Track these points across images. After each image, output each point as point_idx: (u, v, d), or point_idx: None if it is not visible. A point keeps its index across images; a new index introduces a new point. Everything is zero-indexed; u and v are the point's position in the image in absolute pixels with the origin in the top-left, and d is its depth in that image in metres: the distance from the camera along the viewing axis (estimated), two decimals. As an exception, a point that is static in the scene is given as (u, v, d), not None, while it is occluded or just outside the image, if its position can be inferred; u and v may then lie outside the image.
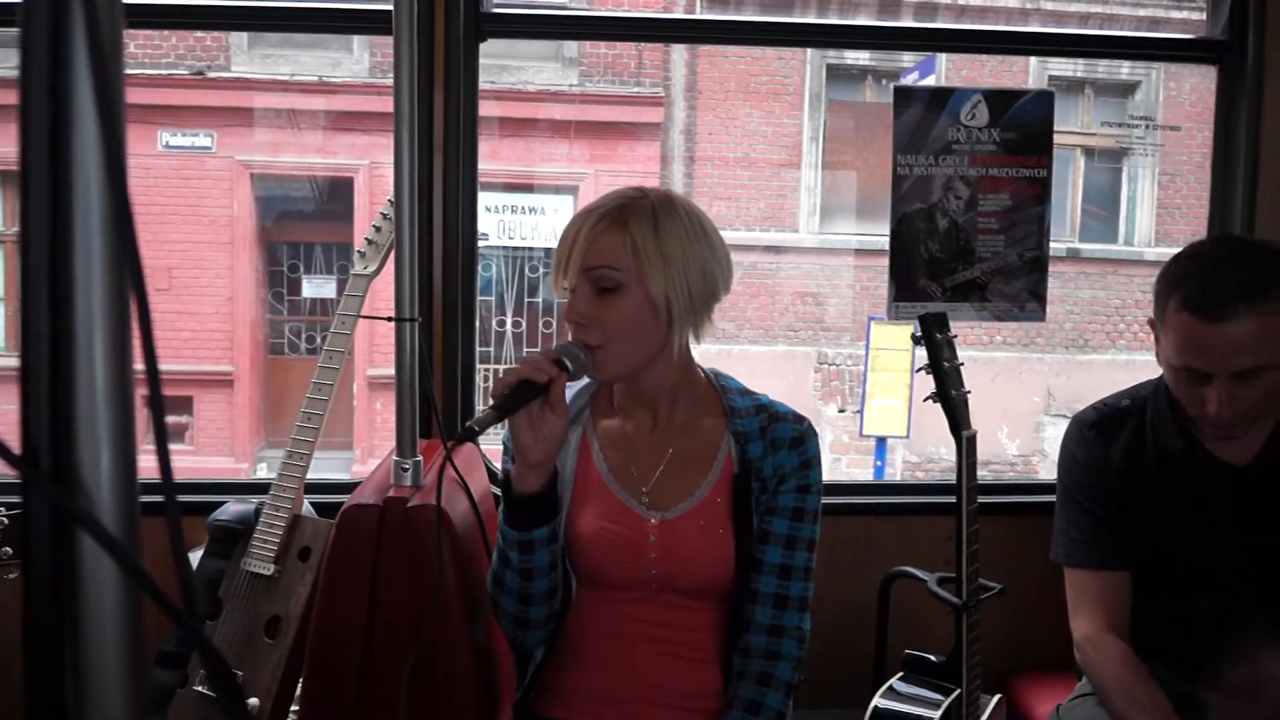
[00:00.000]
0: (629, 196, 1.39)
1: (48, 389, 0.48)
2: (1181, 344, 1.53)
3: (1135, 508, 1.70)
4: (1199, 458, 1.67)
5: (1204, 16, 2.41)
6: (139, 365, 0.50)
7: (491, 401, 1.30)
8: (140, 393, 0.50)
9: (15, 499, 1.83)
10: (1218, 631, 1.68)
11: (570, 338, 1.39)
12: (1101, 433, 1.74)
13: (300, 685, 1.75)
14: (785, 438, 1.46)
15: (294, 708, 1.86)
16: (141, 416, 0.51)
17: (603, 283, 1.35)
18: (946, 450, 9.60)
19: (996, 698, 1.80)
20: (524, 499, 1.35)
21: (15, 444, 0.46)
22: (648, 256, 1.34)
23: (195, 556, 1.95)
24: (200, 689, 1.86)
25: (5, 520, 1.74)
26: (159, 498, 0.51)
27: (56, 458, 0.48)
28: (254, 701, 1.82)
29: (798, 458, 1.46)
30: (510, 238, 9.80)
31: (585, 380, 1.49)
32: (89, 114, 0.48)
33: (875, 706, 1.68)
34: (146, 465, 0.52)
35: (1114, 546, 1.72)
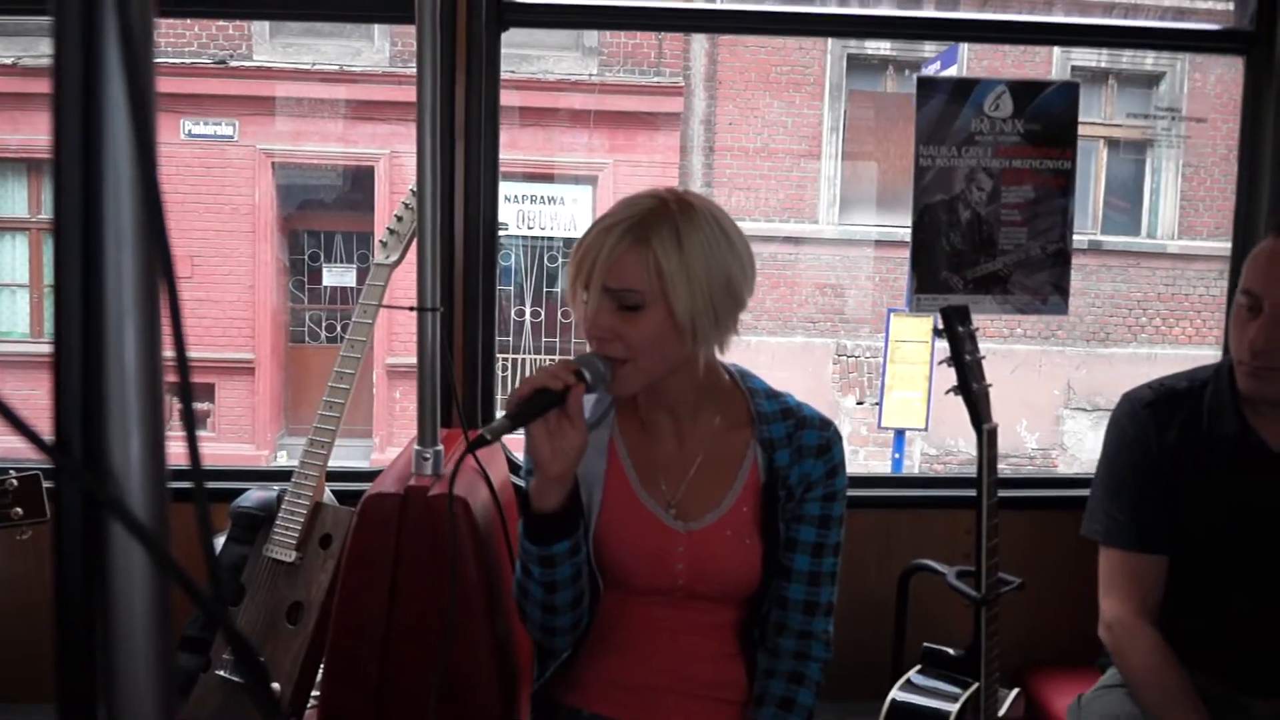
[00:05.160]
0: (648, 207, 1.32)
1: (80, 377, 0.48)
2: (1251, 266, 1.60)
3: (1181, 492, 1.68)
4: (1252, 444, 1.66)
5: (1229, 6, 2.38)
6: (167, 352, 0.50)
7: (506, 410, 1.27)
8: (167, 379, 0.51)
9: (22, 464, 1.86)
10: (1255, 631, 1.67)
11: (589, 349, 1.35)
12: (1156, 413, 1.72)
13: (321, 671, 1.77)
14: (812, 445, 1.44)
15: (315, 693, 1.88)
16: (166, 404, 0.51)
17: (626, 301, 1.31)
18: (965, 443, 9.56)
19: (1014, 691, 1.79)
20: (544, 515, 1.33)
21: (43, 430, 0.47)
22: (671, 277, 1.29)
23: (218, 542, 1.97)
24: (222, 674, 1.88)
25: (15, 482, 1.76)
26: (185, 483, 0.52)
27: (88, 445, 0.48)
28: (275, 687, 1.83)
29: (824, 465, 1.44)
30: (529, 227, 9.81)
31: None
32: (120, 103, 0.48)
33: (893, 699, 1.68)
34: (172, 451, 0.52)
35: (1154, 528, 1.69)
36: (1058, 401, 10.08)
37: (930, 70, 8.34)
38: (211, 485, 2.19)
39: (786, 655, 1.44)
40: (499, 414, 1.30)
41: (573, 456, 1.30)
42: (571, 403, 1.28)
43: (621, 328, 1.32)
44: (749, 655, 1.47)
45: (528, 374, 10.02)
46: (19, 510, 1.75)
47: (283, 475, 2.03)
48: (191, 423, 0.50)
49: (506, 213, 9.40)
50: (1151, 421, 1.71)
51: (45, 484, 1.78)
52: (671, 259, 1.29)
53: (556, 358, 9.84)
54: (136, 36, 0.48)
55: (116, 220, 0.49)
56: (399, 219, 1.98)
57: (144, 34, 0.49)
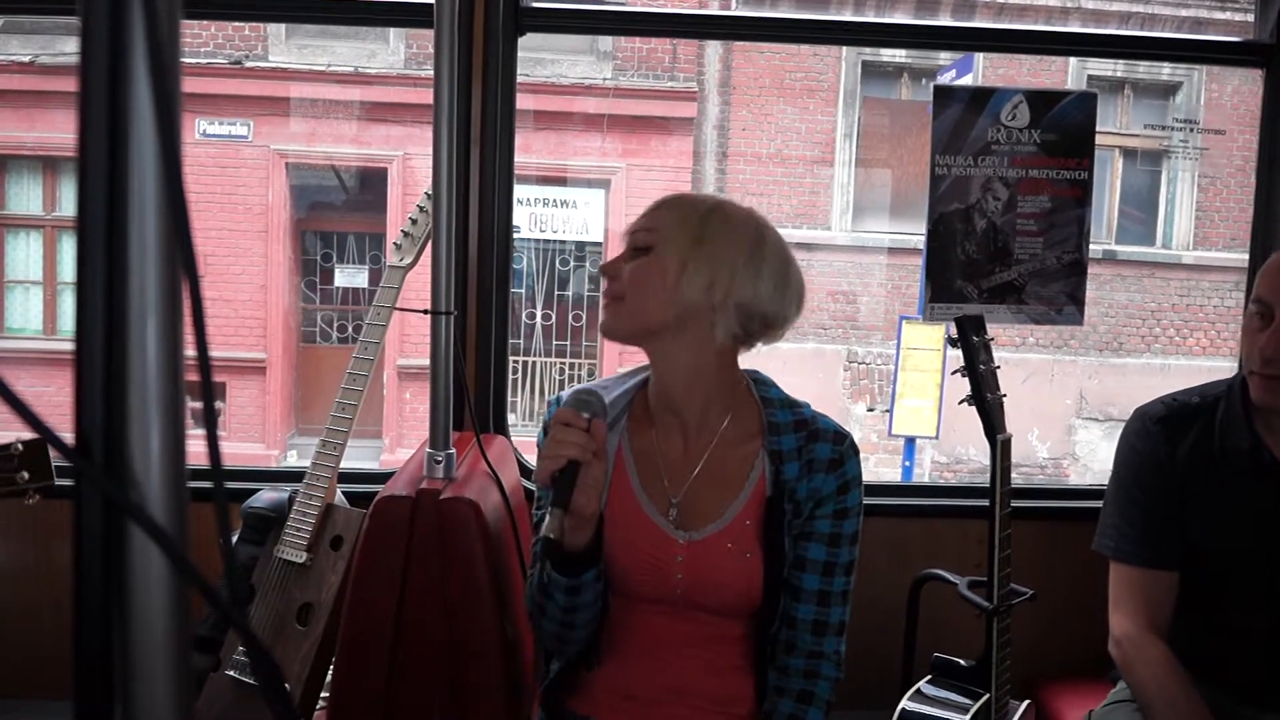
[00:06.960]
0: (700, 197, 1.43)
1: (101, 379, 0.48)
2: (1263, 276, 1.62)
3: (1192, 508, 1.68)
4: (1264, 461, 1.65)
5: (1247, 17, 2.37)
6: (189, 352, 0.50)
7: (550, 495, 1.28)
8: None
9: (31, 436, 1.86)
10: (1266, 647, 1.65)
11: (602, 289, 1.43)
12: (1166, 428, 1.71)
13: (330, 672, 1.77)
14: (823, 459, 1.41)
15: (324, 694, 1.88)
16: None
17: (637, 242, 1.39)
18: (975, 451, 9.53)
19: (1025, 703, 1.78)
20: (575, 552, 1.33)
21: (60, 427, 0.47)
22: (681, 225, 1.36)
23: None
24: (232, 673, 1.88)
25: (21, 447, 1.75)
26: (204, 483, 0.52)
27: (109, 448, 0.48)
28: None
29: (835, 481, 1.41)
30: (541, 230, 9.82)
31: (624, 387, 1.48)
32: (146, 103, 0.48)
33: (903, 709, 1.67)
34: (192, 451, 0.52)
35: (1164, 544, 1.69)
36: (1070, 411, 10.04)
37: (945, 78, 8.33)
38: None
39: (796, 674, 1.42)
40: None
41: (599, 488, 1.30)
42: (596, 441, 1.29)
43: (625, 266, 1.39)
44: (758, 670, 1.45)
45: (534, 380, 9.90)
46: (25, 475, 1.73)
47: (294, 476, 2.03)
48: (213, 425, 0.50)
49: (519, 216, 9.42)
50: (1162, 437, 1.71)
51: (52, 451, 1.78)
52: (692, 219, 1.37)
53: (566, 361, 9.85)
54: (163, 38, 0.48)
55: (141, 221, 0.48)
56: (414, 222, 1.98)
57: (170, 35, 0.49)
